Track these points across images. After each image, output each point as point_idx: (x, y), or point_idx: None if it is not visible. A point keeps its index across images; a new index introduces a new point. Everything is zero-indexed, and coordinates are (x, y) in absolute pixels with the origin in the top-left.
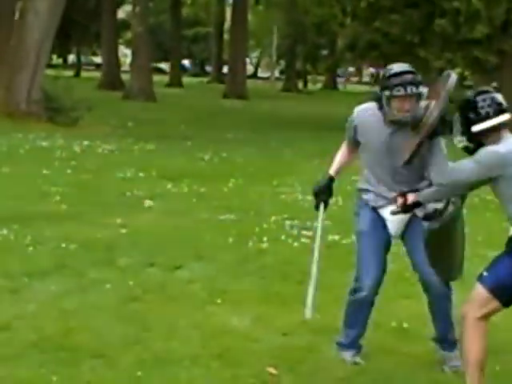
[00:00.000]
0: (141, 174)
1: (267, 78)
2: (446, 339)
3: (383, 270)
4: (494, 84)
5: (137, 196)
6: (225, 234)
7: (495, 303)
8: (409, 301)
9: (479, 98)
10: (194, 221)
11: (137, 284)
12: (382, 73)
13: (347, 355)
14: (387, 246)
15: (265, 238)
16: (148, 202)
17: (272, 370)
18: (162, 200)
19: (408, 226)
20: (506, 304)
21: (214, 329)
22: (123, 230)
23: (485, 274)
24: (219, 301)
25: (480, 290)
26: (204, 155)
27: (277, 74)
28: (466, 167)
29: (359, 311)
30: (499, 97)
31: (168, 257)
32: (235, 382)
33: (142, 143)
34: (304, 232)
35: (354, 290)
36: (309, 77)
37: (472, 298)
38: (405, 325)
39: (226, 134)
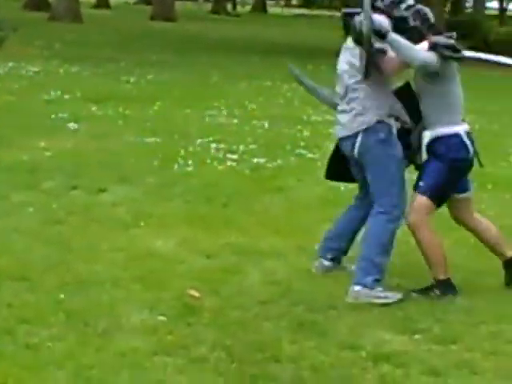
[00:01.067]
0: (66, 97)
1: (196, 0)
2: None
3: None
4: None
5: (61, 118)
6: (150, 157)
7: (433, 206)
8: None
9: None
10: (118, 144)
11: (60, 207)
12: None
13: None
14: None
15: (190, 161)
16: (72, 125)
17: (194, 293)
18: (87, 123)
19: None
20: (438, 206)
21: (137, 252)
22: (47, 153)
23: (421, 184)
24: (143, 224)
25: (421, 200)
26: (130, 77)
27: None
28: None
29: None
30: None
31: (92, 180)
32: (157, 304)
33: (68, 65)
34: (229, 155)
35: (398, 218)
36: None
37: (415, 209)
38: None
39: (152, 57)
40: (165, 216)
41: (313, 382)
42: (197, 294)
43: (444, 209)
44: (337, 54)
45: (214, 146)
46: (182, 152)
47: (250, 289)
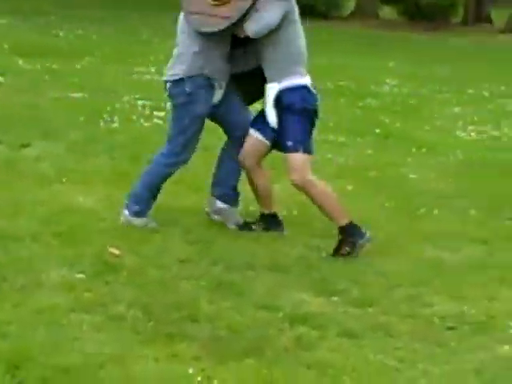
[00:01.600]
0: None
1: None
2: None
3: None
4: None
5: None
6: (76, 112)
7: (310, 158)
8: None
9: None
10: (44, 99)
11: None
12: None
13: (146, 222)
14: None
15: (116, 118)
16: None
17: (114, 250)
18: (13, 76)
19: None
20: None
21: (59, 207)
22: None
23: (288, 143)
24: (65, 179)
25: (297, 157)
26: (59, 32)
27: None
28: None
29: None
30: None
31: (16, 134)
32: (76, 260)
33: None
34: (156, 113)
35: (174, 165)
36: None
37: (296, 168)
38: (251, 208)
39: (83, 12)
40: (88, 172)
41: (229, 341)
42: (117, 252)
43: None
44: None
45: (140, 103)
46: (109, 108)
47: (171, 247)
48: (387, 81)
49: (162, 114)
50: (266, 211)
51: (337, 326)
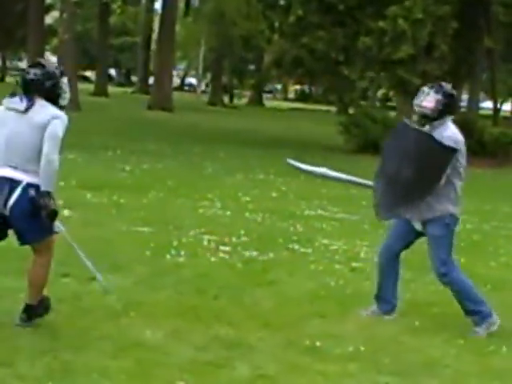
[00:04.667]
0: (61, 183)
1: (193, 91)
2: None
3: None
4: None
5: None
6: (142, 246)
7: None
8: (321, 320)
9: None
10: (112, 232)
11: (51, 294)
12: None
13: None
14: None
15: (182, 252)
16: (67, 212)
17: None
18: (81, 210)
19: None
20: None
21: (127, 341)
22: None
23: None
24: (133, 313)
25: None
26: (125, 166)
27: (203, 87)
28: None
29: None
30: None
31: (83, 268)
32: None
33: (64, 152)
34: (221, 247)
35: None
36: (235, 91)
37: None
38: (317, 343)
39: (148, 146)
40: (155, 306)
41: None
42: None
43: None
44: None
45: (206, 237)
46: (175, 242)
47: (239, 383)
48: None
49: (227, 248)
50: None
51: None
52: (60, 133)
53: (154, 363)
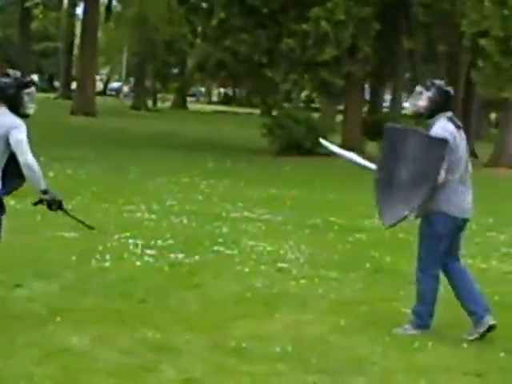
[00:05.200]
0: None
1: (117, 96)
2: None
3: None
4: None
5: None
6: (68, 252)
7: None
8: (248, 321)
9: None
10: (37, 238)
11: None
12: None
13: None
14: None
15: (108, 256)
16: None
17: None
18: (6, 217)
19: None
20: None
21: (53, 347)
22: None
23: None
24: (59, 319)
25: None
26: (49, 172)
27: (126, 91)
28: None
29: None
30: None
31: (9, 275)
32: None
33: None
34: (147, 251)
35: None
36: (158, 95)
37: None
38: (243, 344)
39: (72, 152)
40: (81, 311)
41: None
42: None
43: None
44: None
45: (131, 241)
46: (100, 247)
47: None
48: (376, 215)
49: (152, 252)
50: None
51: None
52: (22, 136)
53: (80, 369)
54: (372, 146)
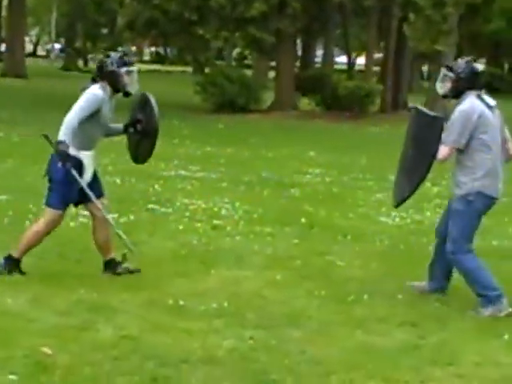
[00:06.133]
0: None
1: (47, 57)
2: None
3: None
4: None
5: None
6: (0, 214)
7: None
8: (184, 279)
9: None
10: None
11: None
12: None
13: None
14: None
15: (42, 219)
16: None
17: (46, 350)
18: None
19: None
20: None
21: None
22: None
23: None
24: None
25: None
26: None
27: (57, 51)
28: None
29: None
30: None
31: None
32: (7, 362)
33: None
34: (81, 211)
35: None
36: (89, 55)
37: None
38: (180, 302)
39: (2, 114)
40: (16, 273)
41: None
42: (49, 352)
43: None
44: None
45: None
46: (34, 209)
47: (103, 345)
48: (309, 170)
49: (87, 212)
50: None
51: None
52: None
53: (16, 330)
54: (305, 102)
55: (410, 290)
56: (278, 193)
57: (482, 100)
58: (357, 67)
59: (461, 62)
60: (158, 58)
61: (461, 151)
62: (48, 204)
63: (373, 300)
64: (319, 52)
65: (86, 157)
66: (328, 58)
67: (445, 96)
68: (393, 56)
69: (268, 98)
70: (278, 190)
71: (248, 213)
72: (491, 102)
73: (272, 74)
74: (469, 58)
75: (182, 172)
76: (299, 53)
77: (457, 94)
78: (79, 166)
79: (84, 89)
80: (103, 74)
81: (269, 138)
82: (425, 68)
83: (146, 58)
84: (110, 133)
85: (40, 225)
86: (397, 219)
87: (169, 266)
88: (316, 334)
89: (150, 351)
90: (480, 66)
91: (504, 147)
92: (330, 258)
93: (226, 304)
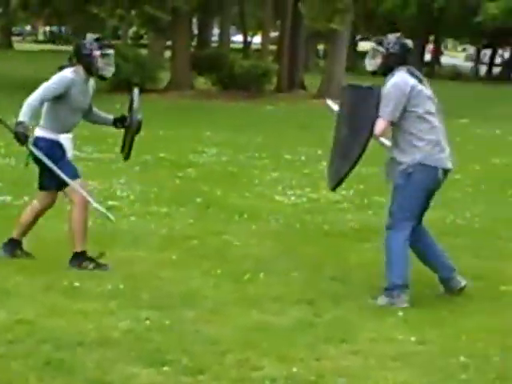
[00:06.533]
0: None
1: None
2: None
3: None
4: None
5: None
6: None
7: None
8: None
9: None
10: None
11: None
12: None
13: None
14: None
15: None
16: None
17: None
18: None
19: None
20: None
21: None
22: None
23: None
24: None
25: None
26: None
27: None
28: None
29: None
30: None
31: None
32: None
33: None
34: None
35: None
36: None
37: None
38: (76, 283)
39: None
40: None
41: None
42: None
43: None
44: None
45: None
46: None
47: None
48: (206, 150)
49: None
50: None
51: None
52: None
53: None
54: (201, 81)
55: (305, 268)
56: (174, 173)
57: (412, 74)
58: (253, 46)
59: (391, 38)
60: (52, 38)
61: (396, 127)
62: (64, 185)
63: (269, 278)
64: (216, 31)
65: (64, 139)
66: (224, 37)
67: (374, 72)
68: (289, 35)
69: (165, 77)
70: (174, 170)
71: (144, 193)
72: (419, 74)
73: (168, 53)
74: (398, 34)
75: (77, 153)
76: (195, 32)
77: (387, 69)
78: (60, 148)
79: (61, 68)
80: (78, 57)
81: (165, 117)
82: (320, 47)
83: (41, 37)
84: (97, 120)
85: (76, 209)
86: (293, 198)
87: (65, 248)
88: (211, 313)
89: (46, 334)
90: (410, 42)
91: (441, 118)
92: (226, 238)
93: (121, 285)
